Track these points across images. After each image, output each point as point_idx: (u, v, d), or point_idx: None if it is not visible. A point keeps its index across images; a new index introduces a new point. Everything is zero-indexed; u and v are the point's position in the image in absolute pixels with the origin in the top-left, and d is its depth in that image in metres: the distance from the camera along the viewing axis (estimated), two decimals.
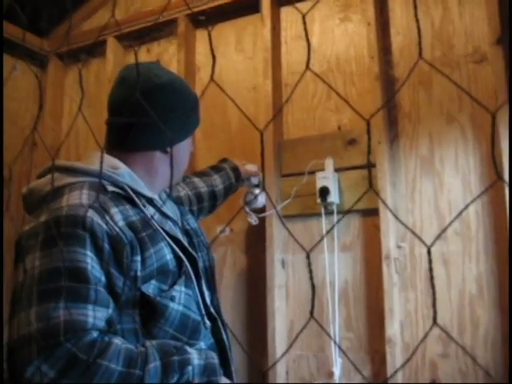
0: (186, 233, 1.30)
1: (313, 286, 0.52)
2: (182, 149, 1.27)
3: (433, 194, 1.72)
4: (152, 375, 0.98)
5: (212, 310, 1.23)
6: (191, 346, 1.13)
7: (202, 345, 1.16)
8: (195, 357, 1.06)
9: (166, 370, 1.00)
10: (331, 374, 1.79)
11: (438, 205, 1.71)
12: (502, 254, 1.60)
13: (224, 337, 1.24)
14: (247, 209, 1.81)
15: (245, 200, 1.80)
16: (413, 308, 1.72)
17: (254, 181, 1.81)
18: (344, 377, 1.77)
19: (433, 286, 0.52)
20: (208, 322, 1.20)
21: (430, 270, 0.51)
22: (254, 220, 1.83)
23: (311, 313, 0.52)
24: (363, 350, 1.77)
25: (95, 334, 0.97)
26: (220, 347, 1.23)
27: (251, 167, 1.80)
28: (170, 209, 1.30)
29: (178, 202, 1.46)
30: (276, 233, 1.87)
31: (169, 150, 1.22)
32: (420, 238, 0.55)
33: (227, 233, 1.99)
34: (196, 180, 1.64)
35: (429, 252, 0.48)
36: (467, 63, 1.73)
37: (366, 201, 1.78)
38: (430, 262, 0.50)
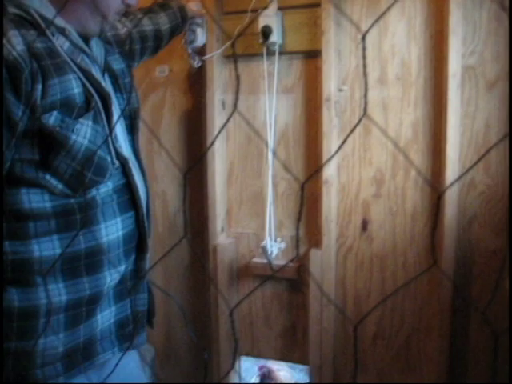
0: (112, 73, 1.23)
1: None
2: None
3: (377, 36, 1.67)
4: None
5: (123, 150, 1.18)
6: (96, 183, 1.10)
7: (110, 184, 1.14)
8: None
9: None
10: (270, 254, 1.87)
11: (382, 48, 1.68)
12: (439, 101, 1.62)
13: (135, 179, 1.20)
14: (190, 50, 1.73)
15: (186, 39, 1.72)
16: (350, 151, 1.76)
17: (198, 21, 1.71)
18: (279, 205, 1.85)
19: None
20: (117, 162, 1.15)
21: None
22: (196, 62, 1.76)
23: None
24: (300, 190, 1.83)
25: None
26: (131, 188, 1.19)
27: (193, 5, 1.69)
28: (95, 46, 1.20)
29: (112, 40, 1.37)
30: (216, 73, 1.82)
31: None
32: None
33: (166, 73, 1.92)
34: (141, 17, 1.53)
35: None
36: None
37: (309, 42, 1.73)
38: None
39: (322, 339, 1.82)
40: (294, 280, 1.90)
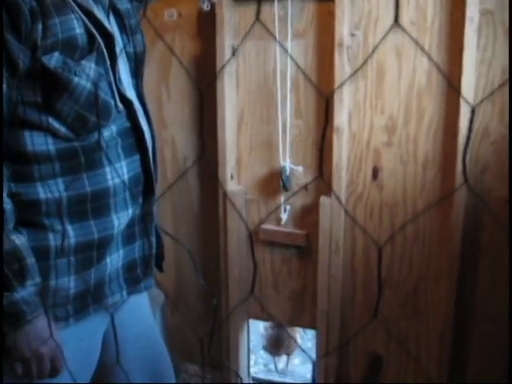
0: (117, 13, 1.20)
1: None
2: None
3: None
4: None
5: (127, 93, 1.16)
6: (100, 126, 1.09)
7: (114, 128, 1.13)
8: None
9: None
10: (279, 220, 1.90)
11: None
12: (454, 47, 1.58)
13: (140, 122, 1.18)
14: None
15: None
16: (362, 98, 1.73)
17: None
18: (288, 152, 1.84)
19: None
20: (121, 106, 1.14)
21: None
22: (205, 5, 1.72)
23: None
24: (311, 138, 1.81)
25: None
26: (137, 131, 1.18)
27: None
28: None
29: None
30: (227, 17, 1.78)
31: None
32: None
33: (175, 17, 1.88)
34: None
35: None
36: None
37: None
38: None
39: (330, 286, 1.83)
40: (302, 247, 1.92)
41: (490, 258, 1.70)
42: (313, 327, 1.98)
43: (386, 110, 1.71)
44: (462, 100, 1.56)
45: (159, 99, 1.97)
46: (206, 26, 1.84)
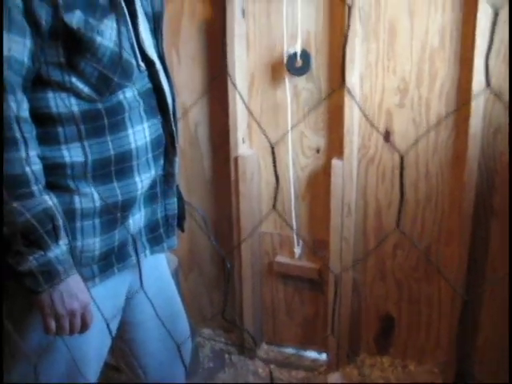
0: None
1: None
2: None
3: None
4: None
5: (149, 53, 1.16)
6: (123, 87, 1.10)
7: (136, 89, 1.13)
8: None
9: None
10: (292, 253, 1.97)
11: None
12: (468, 6, 1.55)
13: (162, 82, 1.19)
14: None
15: None
16: (373, 59, 1.71)
17: None
18: (300, 116, 1.83)
19: None
20: (143, 65, 1.14)
21: None
22: None
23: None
24: (323, 101, 1.81)
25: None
26: (158, 92, 1.19)
27: None
28: None
29: None
30: None
31: None
32: None
33: None
34: None
35: None
36: None
37: None
38: None
39: (342, 248, 1.84)
40: (315, 280, 1.99)
41: (501, 219, 1.70)
42: (325, 350, 2.06)
43: (398, 72, 1.69)
44: (475, 61, 1.55)
45: (169, 64, 1.96)
46: None
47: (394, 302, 1.93)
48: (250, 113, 1.90)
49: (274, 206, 0.63)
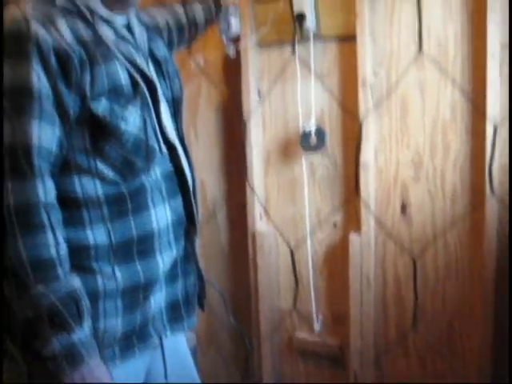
0: (155, 60, 1.26)
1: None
2: None
3: (412, 19, 1.66)
4: None
5: (171, 138, 1.21)
6: (146, 170, 1.13)
7: (158, 171, 1.16)
8: None
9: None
10: (312, 329, 1.95)
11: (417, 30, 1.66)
12: (478, 79, 1.60)
13: (183, 164, 1.23)
14: (225, 39, 1.74)
15: (220, 29, 1.73)
16: (387, 134, 1.75)
17: (231, 9, 1.72)
18: (316, 191, 1.85)
19: None
20: (165, 149, 1.19)
21: None
22: (232, 53, 1.76)
23: None
24: (338, 175, 1.83)
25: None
26: (179, 174, 1.23)
27: None
28: (138, 33, 1.23)
29: (151, 28, 1.40)
30: (251, 62, 1.83)
31: None
32: None
33: (201, 63, 1.94)
34: (178, 9, 1.57)
35: None
36: None
37: (344, 26, 1.73)
38: None
39: (362, 320, 1.82)
40: (336, 357, 1.97)
41: None
42: None
43: (412, 145, 1.72)
44: (487, 133, 1.57)
45: (188, 142, 2.01)
46: (231, 70, 1.89)
47: (417, 378, 1.88)
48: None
49: (294, 307, 0.63)
